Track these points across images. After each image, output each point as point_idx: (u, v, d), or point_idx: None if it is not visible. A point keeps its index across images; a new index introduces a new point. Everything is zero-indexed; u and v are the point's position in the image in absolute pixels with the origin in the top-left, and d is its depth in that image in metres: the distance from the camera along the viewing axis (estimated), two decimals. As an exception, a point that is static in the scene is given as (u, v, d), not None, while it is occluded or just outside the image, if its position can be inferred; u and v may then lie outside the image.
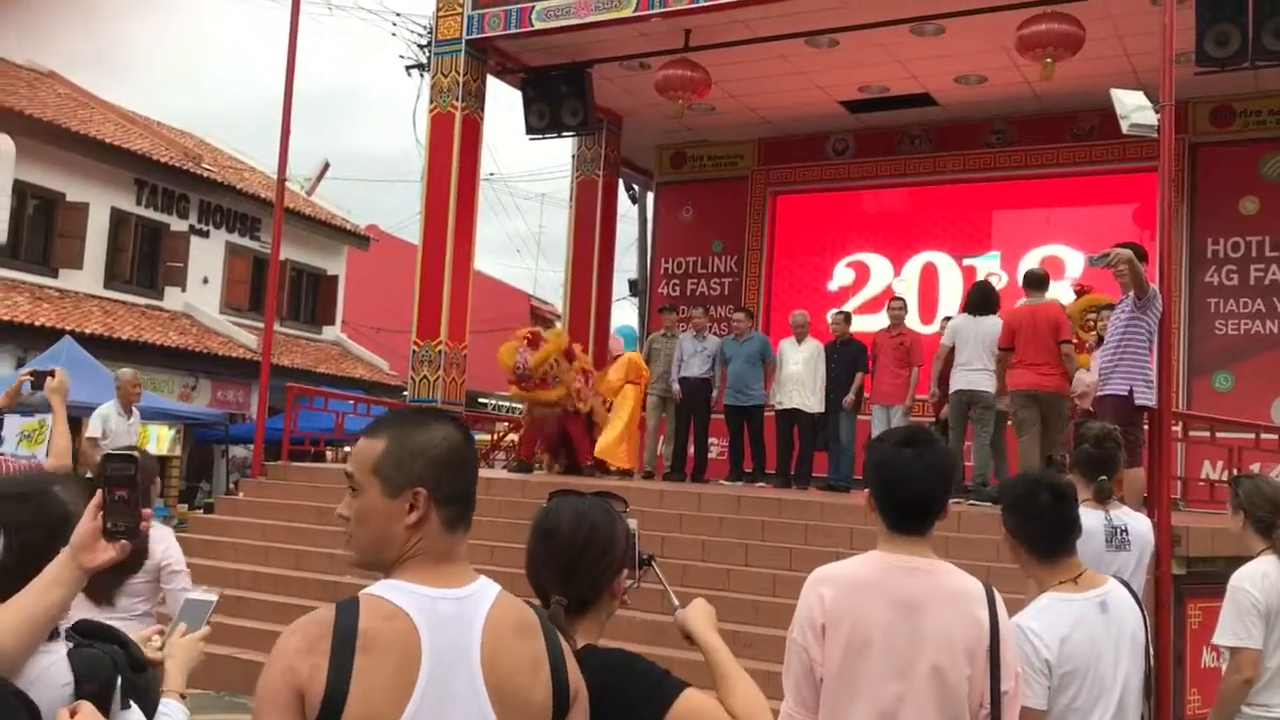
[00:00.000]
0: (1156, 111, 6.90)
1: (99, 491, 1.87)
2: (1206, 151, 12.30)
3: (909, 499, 2.48)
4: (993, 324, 8.63)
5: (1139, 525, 4.13)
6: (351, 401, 12.98)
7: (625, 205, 17.03)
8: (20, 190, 16.39)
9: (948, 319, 10.37)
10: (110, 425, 8.89)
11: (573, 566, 2.05)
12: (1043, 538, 2.83)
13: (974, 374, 8.55)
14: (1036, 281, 8.67)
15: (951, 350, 8.85)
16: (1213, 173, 12.27)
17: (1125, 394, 6.68)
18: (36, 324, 15.55)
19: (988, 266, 13.62)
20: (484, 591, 1.69)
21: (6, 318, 15.27)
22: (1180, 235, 11.68)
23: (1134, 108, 6.89)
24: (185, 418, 15.22)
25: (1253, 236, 12.12)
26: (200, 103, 71.48)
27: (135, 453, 1.99)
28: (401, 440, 1.72)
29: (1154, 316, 6.80)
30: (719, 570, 7.49)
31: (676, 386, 11.11)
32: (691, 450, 11.30)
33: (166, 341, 17.88)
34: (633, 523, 2.19)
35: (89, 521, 1.85)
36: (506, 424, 15.93)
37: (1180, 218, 11.81)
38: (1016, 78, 11.90)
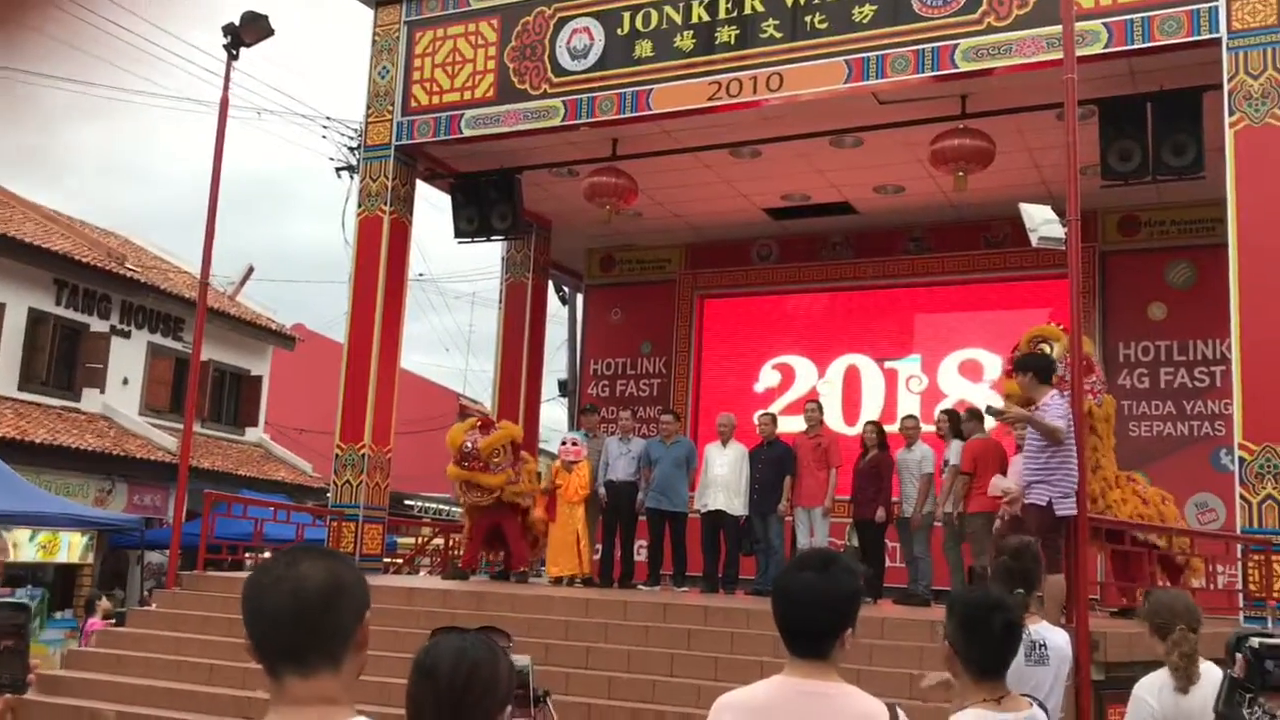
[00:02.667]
0: (1064, 225, 7.17)
1: None
2: (1115, 260, 12.79)
3: (802, 626, 2.49)
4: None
5: (1057, 639, 4.18)
6: (271, 508, 12.70)
7: (555, 306, 17.17)
8: (-66, 290, 16.02)
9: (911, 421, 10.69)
10: None
11: (456, 707, 2.01)
12: (985, 659, 2.85)
13: None
14: (982, 416, 9.18)
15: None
16: (1122, 280, 12.74)
17: (1045, 504, 6.88)
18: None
19: (909, 369, 13.90)
20: None
21: (-87, 421, 14.79)
22: (1094, 340, 12.06)
23: (1042, 221, 7.16)
24: (100, 524, 14.74)
25: (1161, 341, 12.56)
26: (127, 202, 70.92)
27: (27, 601, 1.95)
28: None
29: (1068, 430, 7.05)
30: (645, 681, 7.39)
31: (602, 490, 11.06)
32: (618, 554, 11.23)
33: (83, 444, 17.39)
34: (523, 659, 2.17)
35: None
36: (432, 528, 15.68)
37: (1093, 323, 12.20)
38: (932, 187, 12.31)
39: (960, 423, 9.98)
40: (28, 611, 1.90)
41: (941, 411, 10.61)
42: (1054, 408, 7.00)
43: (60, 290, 18.68)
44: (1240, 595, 8.52)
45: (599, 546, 11.42)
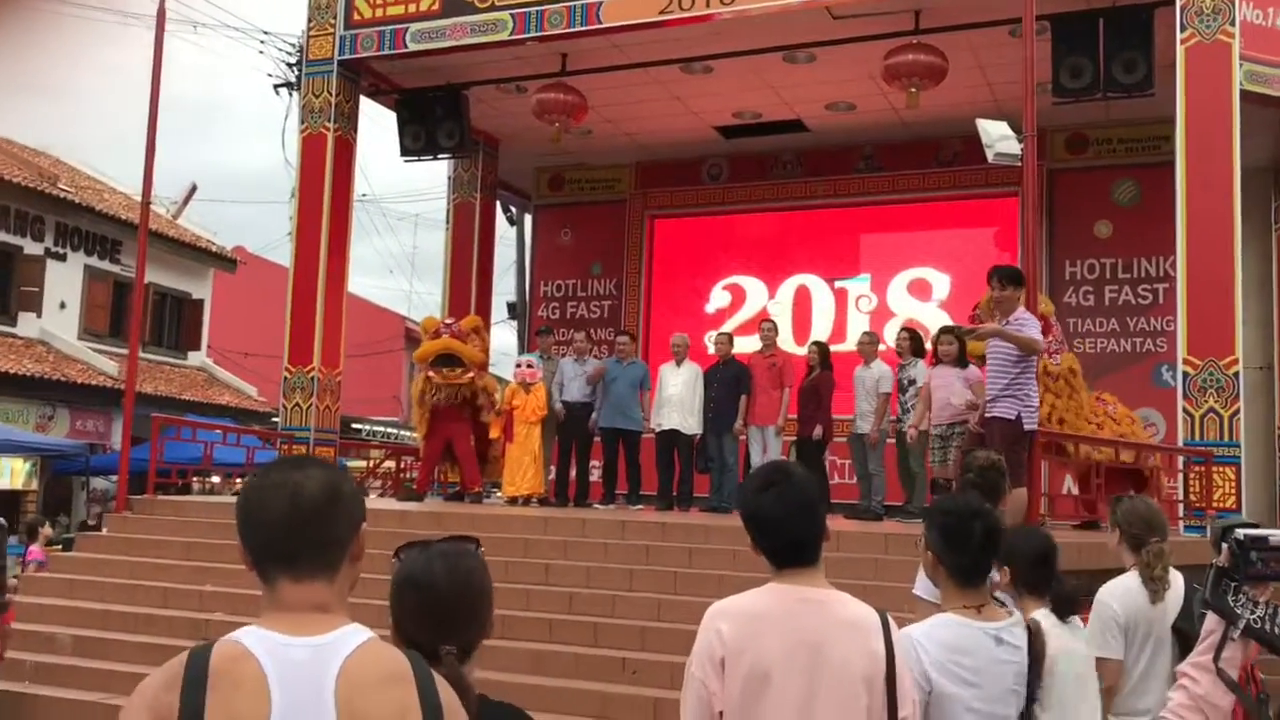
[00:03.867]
0: (1020, 141, 7.19)
1: None
2: (1063, 177, 12.88)
3: (784, 540, 2.54)
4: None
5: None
6: (220, 431, 12.56)
7: (504, 227, 16.97)
8: None
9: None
10: None
11: (456, 616, 2.04)
12: (967, 566, 2.91)
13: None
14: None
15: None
16: (1068, 198, 12.85)
17: (1013, 418, 6.96)
18: None
19: (858, 289, 13.98)
20: (346, 639, 1.66)
21: None
22: (1040, 259, 12.20)
23: (998, 137, 7.18)
24: (42, 449, 14.49)
25: (1107, 259, 12.73)
26: (57, 120, 68.56)
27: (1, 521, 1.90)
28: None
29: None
30: (605, 596, 7.46)
31: (560, 406, 11.05)
32: (573, 474, 11.28)
33: (20, 370, 17.03)
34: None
35: None
36: (384, 450, 15.62)
37: (1040, 241, 12.32)
38: (884, 105, 12.27)
39: (920, 341, 10.08)
40: (4, 530, 1.85)
41: (902, 329, 10.67)
42: (1029, 323, 7.06)
43: (-10, 211, 18.11)
44: (1180, 505, 8.79)
45: (553, 467, 11.47)
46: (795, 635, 2.42)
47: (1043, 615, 3.46)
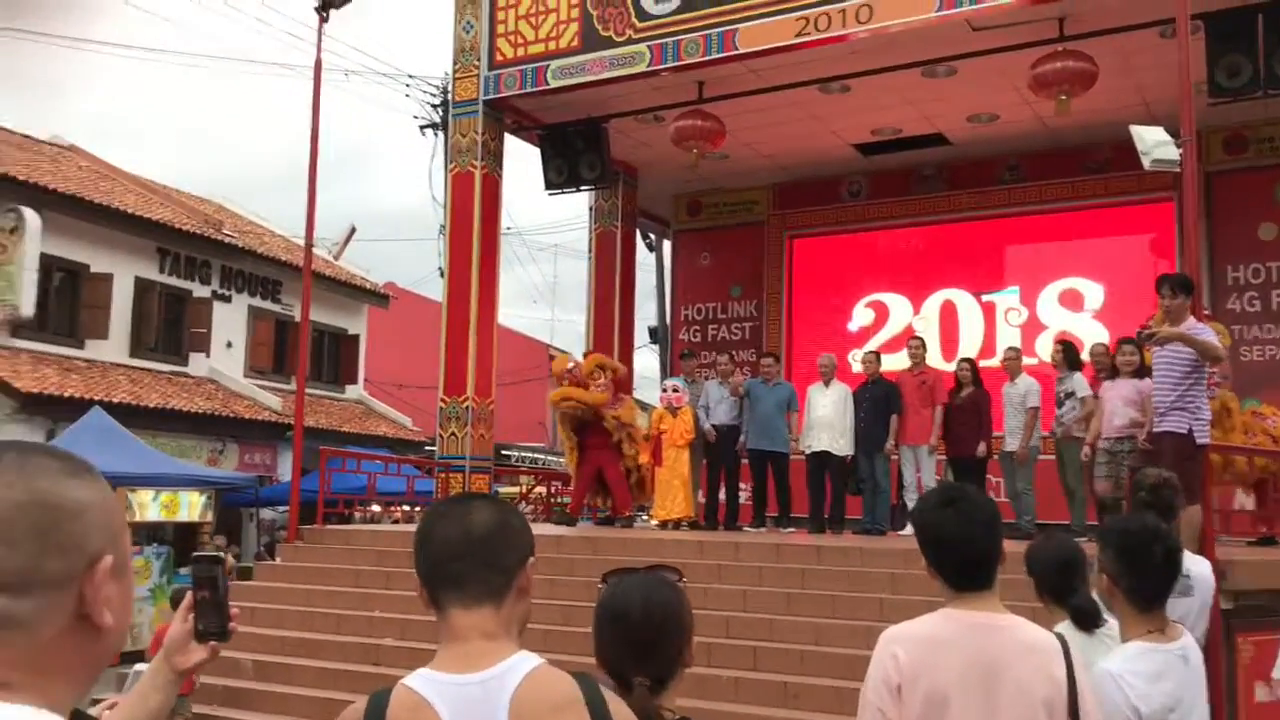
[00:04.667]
0: (1178, 146, 6.97)
1: (189, 593, 1.88)
2: (1222, 180, 12.36)
3: (964, 559, 2.51)
4: None
5: (1201, 569, 4.12)
6: (381, 461, 13.04)
7: (643, 254, 17.19)
8: (46, 264, 16.61)
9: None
10: None
11: (650, 646, 2.08)
12: (1148, 589, 2.85)
13: None
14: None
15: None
16: (1229, 201, 12.33)
17: (1185, 432, 6.69)
18: (65, 395, 15.70)
19: (1007, 302, 13.68)
20: (514, 669, 1.71)
21: (36, 390, 15.43)
22: (1201, 264, 11.74)
23: (1155, 143, 6.96)
24: (215, 482, 15.29)
25: (1272, 262, 12.16)
26: (218, 167, 72.36)
27: (222, 553, 2.02)
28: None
29: None
30: (762, 620, 7.48)
31: (709, 426, 11.10)
32: (723, 497, 11.32)
33: (193, 407, 18.00)
34: None
35: (180, 624, 1.86)
36: (534, 476, 15.96)
37: (1200, 248, 11.85)
38: (1028, 114, 12.02)
39: (1075, 354, 9.82)
40: (222, 564, 1.97)
41: (1056, 342, 10.42)
42: (1204, 331, 6.79)
43: (163, 258, 19.24)
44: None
45: (702, 490, 11.53)
46: (972, 659, 2.41)
47: (1066, 629, 3.32)
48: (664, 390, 11.56)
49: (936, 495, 2.66)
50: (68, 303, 17.74)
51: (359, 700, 1.75)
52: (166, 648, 1.87)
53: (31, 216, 16.15)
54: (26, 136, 20.52)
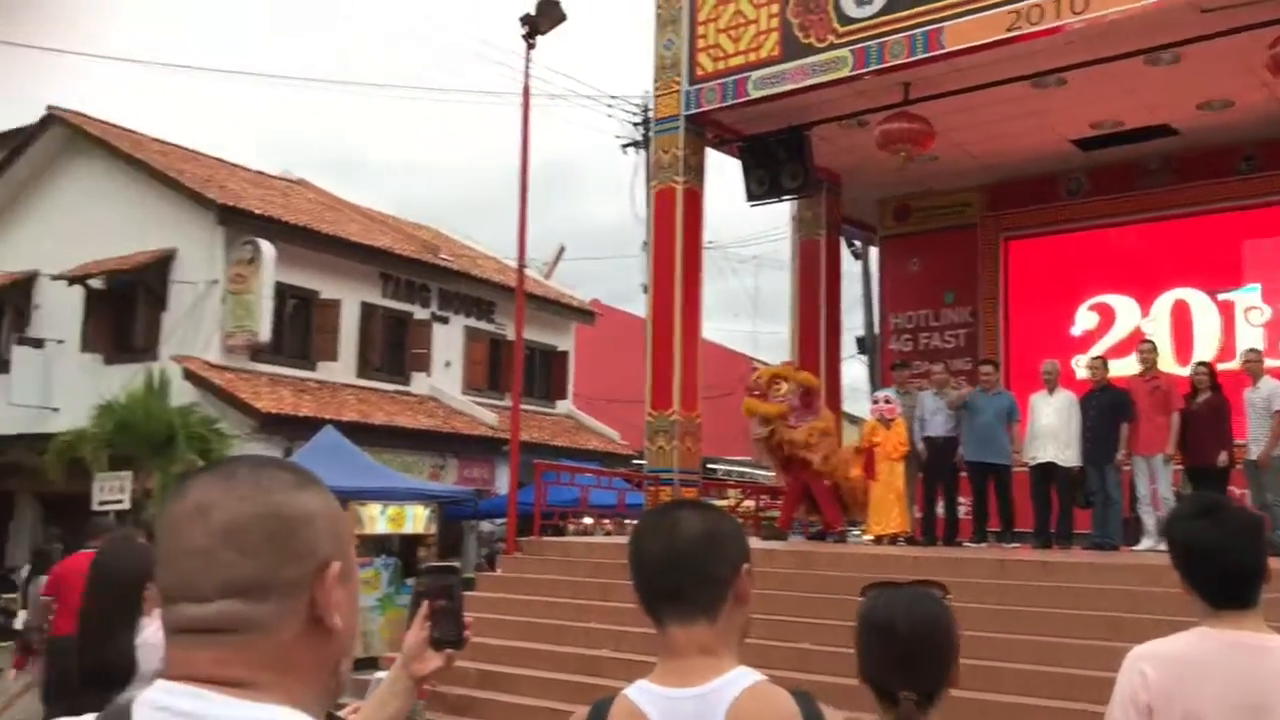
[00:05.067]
0: None
1: (424, 603, 1.91)
2: None
3: (1223, 572, 2.32)
4: None
5: None
6: (593, 475, 13.28)
7: (849, 262, 16.93)
8: (280, 291, 17.72)
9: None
10: None
11: (917, 660, 2.01)
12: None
13: None
14: None
15: None
16: None
17: None
18: (300, 415, 16.70)
19: (1247, 300, 12.74)
20: (730, 685, 1.67)
21: (274, 410, 16.47)
22: None
23: None
24: (438, 496, 15.94)
25: None
26: (433, 194, 75.88)
27: (456, 563, 2.06)
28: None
29: None
30: (988, 639, 7.17)
31: (921, 446, 10.80)
32: (941, 511, 10.96)
33: (416, 424, 18.84)
34: None
35: (416, 632, 1.90)
36: (741, 490, 15.90)
37: None
38: (1267, 97, 11.17)
39: None
40: (458, 573, 2.00)
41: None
42: None
43: (386, 283, 20.25)
44: None
45: (917, 504, 11.20)
46: (1235, 682, 2.23)
47: None
48: (875, 402, 11.30)
49: (1191, 504, 2.49)
50: (300, 328, 18.89)
51: (580, 710, 1.77)
52: (404, 655, 1.91)
53: (267, 248, 17.28)
54: (260, 173, 22.04)
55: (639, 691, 1.73)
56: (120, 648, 3.68)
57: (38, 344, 18.30)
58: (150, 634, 3.70)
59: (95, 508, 13.58)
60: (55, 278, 18.08)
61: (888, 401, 10.98)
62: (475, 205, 71.64)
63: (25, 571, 14.13)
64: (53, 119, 19.24)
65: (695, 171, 12.40)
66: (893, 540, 10.56)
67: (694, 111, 12.22)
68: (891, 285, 15.57)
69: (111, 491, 14.05)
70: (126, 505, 13.75)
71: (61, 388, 17.84)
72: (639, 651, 7.50)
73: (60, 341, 18.27)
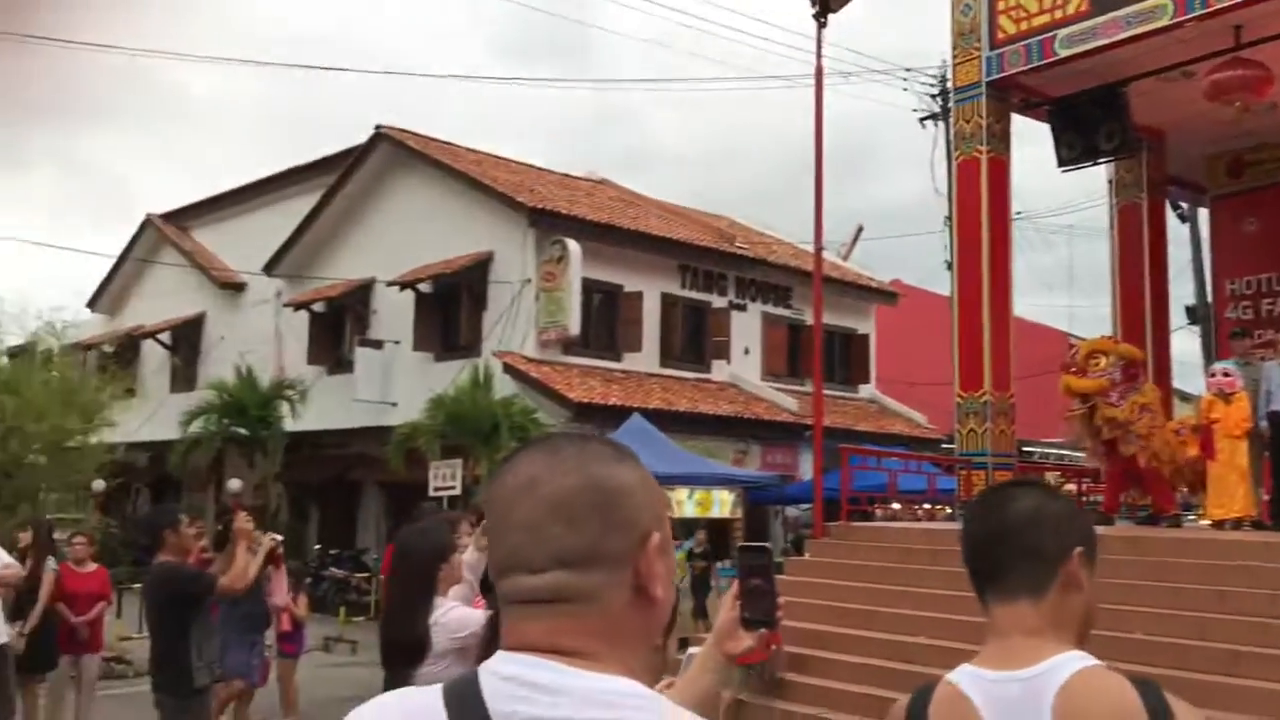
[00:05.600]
0: None
1: (735, 581, 1.91)
2: None
3: None
4: None
5: None
6: (899, 459, 13.00)
7: (1174, 226, 15.65)
8: (587, 287, 18.49)
9: None
10: None
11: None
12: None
13: None
14: None
15: None
16: None
17: None
18: (609, 404, 17.36)
19: None
20: (1058, 669, 1.59)
21: (585, 399, 17.21)
22: None
23: None
24: (743, 481, 16.16)
25: None
26: (725, 181, 76.81)
27: (767, 543, 2.06)
28: None
29: None
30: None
31: (1264, 424, 9.81)
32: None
33: (717, 411, 19.14)
34: None
35: (728, 612, 1.88)
36: (1060, 473, 15.08)
37: None
38: None
39: None
40: (770, 553, 1.99)
41: None
42: None
43: (684, 274, 20.71)
44: None
45: (1263, 486, 10.19)
46: None
47: None
48: (1212, 375, 10.36)
49: None
50: (606, 321, 19.64)
51: (901, 699, 1.75)
52: (716, 634, 1.92)
53: (574, 246, 18.08)
54: (565, 175, 23.06)
55: (962, 675, 1.69)
56: (416, 626, 3.75)
57: (377, 345, 20.02)
58: (440, 614, 3.79)
59: (430, 494, 14.72)
60: (389, 284, 19.72)
61: (1226, 374, 10.04)
62: (770, 193, 71.92)
63: (375, 554, 15.52)
64: (380, 137, 20.98)
65: (1000, 139, 11.84)
66: (1236, 524, 9.66)
67: (996, 77, 11.67)
68: (1225, 248, 14.25)
69: (445, 478, 15.19)
70: (458, 490, 14.81)
71: (398, 384, 19.44)
72: (952, 638, 7.27)
73: (396, 342, 19.90)
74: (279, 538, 7.70)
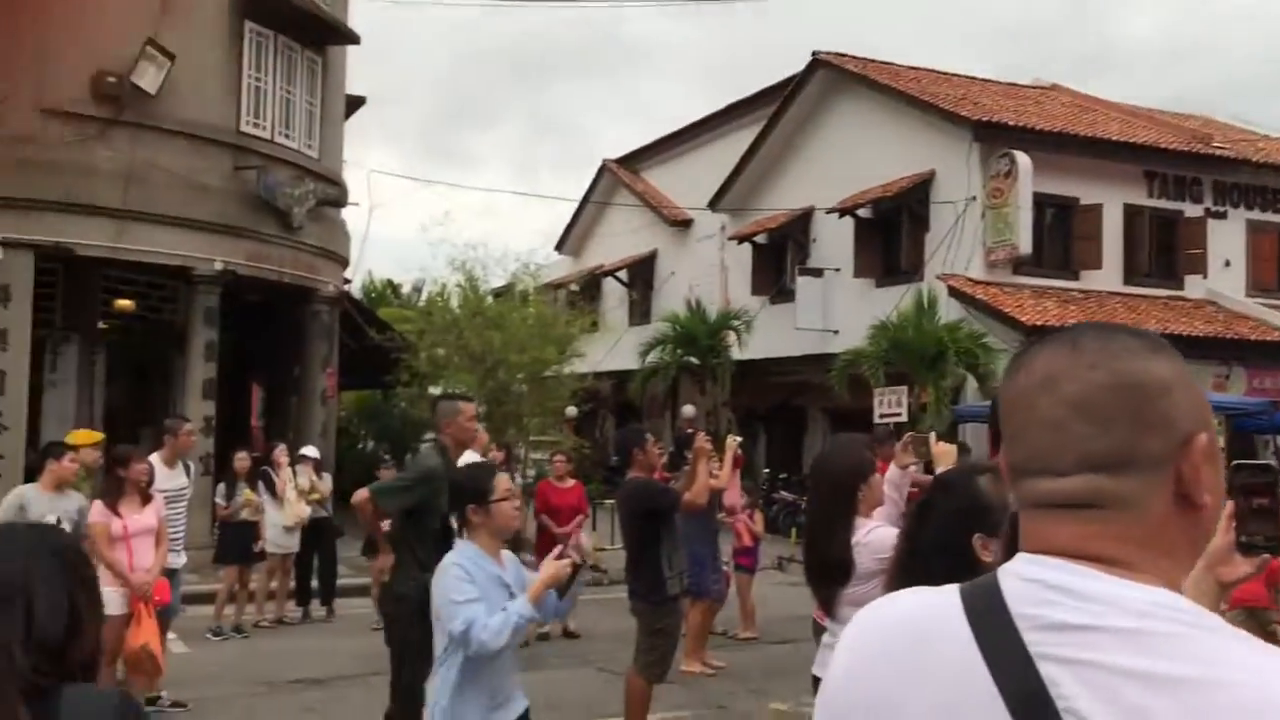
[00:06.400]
0: None
1: (1230, 503, 1.76)
2: None
3: None
4: None
5: None
6: None
7: None
8: (1038, 201, 17.35)
9: None
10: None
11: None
12: None
13: None
14: None
15: None
16: None
17: None
18: (1066, 326, 16.20)
19: None
20: None
21: (1040, 322, 16.22)
22: None
23: None
24: (1226, 407, 14.55)
25: None
26: (1197, 78, 69.01)
27: (1271, 461, 1.83)
28: None
29: None
30: None
31: None
32: None
33: (1191, 331, 17.34)
34: None
35: (1223, 536, 1.76)
36: None
37: None
38: None
39: None
40: (1275, 471, 1.81)
41: None
42: None
43: (1150, 182, 18.88)
44: None
45: None
46: None
47: None
48: None
49: None
50: (1060, 237, 18.38)
51: None
52: (1208, 558, 1.79)
53: (1023, 159, 17.02)
54: (1011, 84, 21.73)
55: None
56: (838, 545, 3.72)
57: (817, 273, 20.14)
58: (863, 534, 3.74)
59: (876, 420, 14.63)
60: (828, 211, 19.72)
61: None
62: (1253, 84, 63.62)
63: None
64: (818, 63, 20.89)
65: None
66: None
67: None
68: None
69: (890, 405, 15.04)
70: (904, 418, 14.61)
71: (839, 312, 19.48)
72: None
73: (836, 270, 19.93)
74: (739, 438, 8.15)
